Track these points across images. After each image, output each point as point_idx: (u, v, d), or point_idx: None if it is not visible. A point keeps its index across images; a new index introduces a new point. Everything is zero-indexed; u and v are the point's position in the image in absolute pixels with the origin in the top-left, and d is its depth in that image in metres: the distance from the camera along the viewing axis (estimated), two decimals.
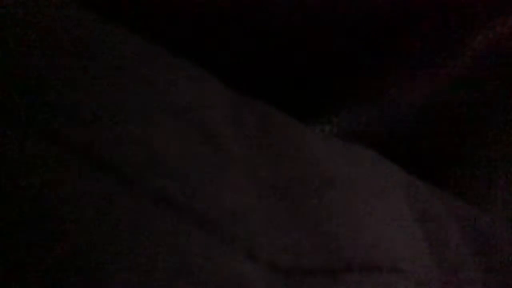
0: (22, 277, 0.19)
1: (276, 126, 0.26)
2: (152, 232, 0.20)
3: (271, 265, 0.22)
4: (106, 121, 0.21)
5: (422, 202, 0.27)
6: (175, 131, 0.22)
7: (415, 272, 0.25)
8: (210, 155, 0.23)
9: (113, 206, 0.20)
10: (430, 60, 0.35)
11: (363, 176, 0.26)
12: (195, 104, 0.23)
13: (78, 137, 0.20)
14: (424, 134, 0.36)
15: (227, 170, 0.23)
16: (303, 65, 0.34)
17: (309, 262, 0.23)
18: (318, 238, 0.23)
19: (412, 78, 0.35)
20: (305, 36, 0.33)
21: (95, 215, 0.20)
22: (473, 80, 0.36)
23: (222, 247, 0.21)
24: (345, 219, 0.24)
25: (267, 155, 0.24)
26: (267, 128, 0.25)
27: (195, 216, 0.21)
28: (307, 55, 0.34)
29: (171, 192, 0.21)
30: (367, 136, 0.35)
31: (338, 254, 0.23)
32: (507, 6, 0.35)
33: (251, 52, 0.33)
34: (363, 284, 0.23)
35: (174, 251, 0.20)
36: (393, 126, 0.35)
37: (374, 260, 0.24)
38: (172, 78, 0.23)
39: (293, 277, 0.22)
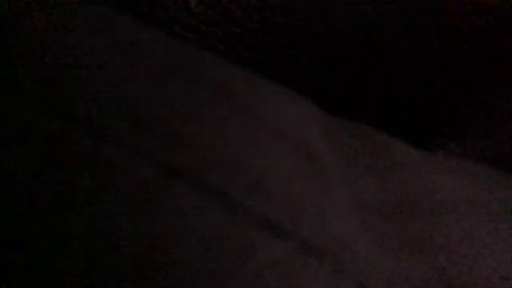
0: None
1: (375, 145, 0.25)
2: (256, 258, 0.20)
3: None
4: (208, 144, 0.21)
5: None
6: (276, 154, 0.22)
7: None
8: (313, 179, 0.22)
9: (216, 231, 0.20)
10: None
11: (481, 199, 0.25)
12: (295, 126, 0.23)
13: (180, 160, 0.20)
14: None
15: (330, 194, 0.22)
16: (422, 91, 0.33)
17: None
18: (432, 269, 0.22)
19: None
20: (417, 59, 0.32)
21: (200, 243, 0.19)
22: None
23: (331, 275, 0.20)
24: (463, 248, 0.23)
25: (370, 177, 0.23)
26: (365, 148, 0.24)
27: (302, 243, 0.20)
28: (425, 81, 0.33)
29: (275, 218, 0.20)
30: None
31: None
32: None
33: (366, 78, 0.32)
34: None
35: (280, 279, 0.20)
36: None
37: None
38: (271, 101, 0.23)
39: None
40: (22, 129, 0.20)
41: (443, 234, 0.23)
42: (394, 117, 0.33)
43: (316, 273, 0.20)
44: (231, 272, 0.19)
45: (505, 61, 0.33)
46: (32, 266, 0.19)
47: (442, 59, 0.32)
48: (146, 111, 0.20)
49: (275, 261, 0.20)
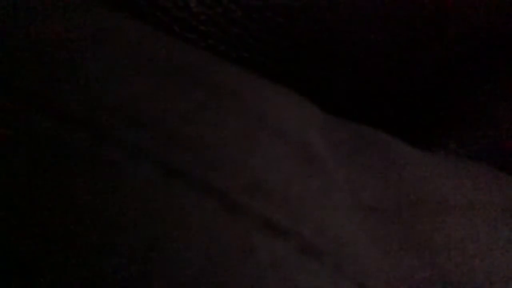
0: None
1: (375, 145, 0.25)
2: (257, 258, 0.20)
3: None
4: (207, 144, 0.21)
5: None
6: (276, 154, 0.22)
7: None
8: (313, 179, 0.22)
9: (215, 231, 0.19)
10: None
11: (481, 199, 0.25)
12: (295, 126, 0.23)
13: (180, 160, 0.20)
14: None
15: (330, 194, 0.22)
16: (423, 89, 0.33)
17: None
18: (433, 270, 0.22)
19: None
20: (421, 58, 0.32)
21: (200, 243, 0.19)
22: None
23: (331, 275, 0.20)
24: (464, 249, 0.23)
25: (370, 177, 0.23)
26: (365, 147, 0.24)
27: (302, 243, 0.20)
28: (426, 78, 0.33)
29: (274, 217, 0.20)
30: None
31: None
32: None
33: (367, 76, 0.32)
34: None
35: (280, 279, 0.20)
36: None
37: None
38: (271, 101, 0.23)
39: None
40: (21, 129, 0.20)
41: (443, 234, 0.23)
42: (394, 117, 0.33)
43: (316, 273, 0.20)
44: (231, 272, 0.19)
45: (505, 61, 0.33)
46: (32, 266, 0.19)
47: (442, 59, 0.32)
48: (146, 111, 0.20)
49: (275, 261, 0.20)
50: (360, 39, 0.30)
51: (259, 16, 0.29)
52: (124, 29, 0.22)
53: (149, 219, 0.19)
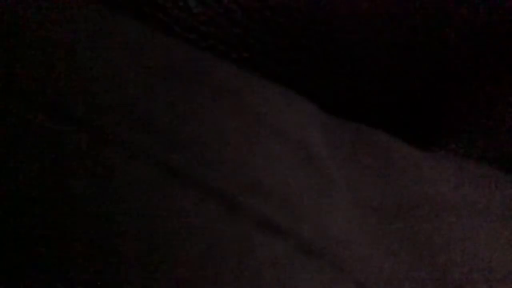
0: None
1: (375, 145, 0.25)
2: (256, 258, 0.20)
3: None
4: (207, 144, 0.21)
5: None
6: (276, 154, 0.22)
7: None
8: (313, 179, 0.22)
9: (215, 231, 0.19)
10: None
11: (481, 199, 0.25)
12: (295, 126, 0.23)
13: (180, 160, 0.20)
14: None
15: (329, 194, 0.22)
16: (421, 90, 0.33)
17: None
18: (432, 269, 0.22)
19: None
20: (419, 59, 0.32)
21: (200, 243, 0.19)
22: None
23: (331, 275, 0.20)
24: (463, 249, 0.23)
25: (370, 177, 0.23)
26: (365, 147, 0.24)
27: (302, 243, 0.20)
28: (425, 79, 0.33)
29: (275, 218, 0.20)
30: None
31: None
32: None
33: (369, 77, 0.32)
34: None
35: (280, 279, 0.20)
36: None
37: None
38: (271, 101, 0.23)
39: None
40: (21, 129, 0.20)
41: (443, 234, 0.23)
42: (394, 117, 0.33)
43: (315, 272, 0.20)
44: (230, 272, 0.19)
45: (506, 61, 0.33)
46: (32, 266, 0.19)
47: (443, 59, 0.32)
48: (146, 111, 0.20)
49: (275, 261, 0.20)
50: (360, 39, 0.30)
51: (259, 16, 0.29)
52: (124, 29, 0.22)
53: (149, 219, 0.19)
